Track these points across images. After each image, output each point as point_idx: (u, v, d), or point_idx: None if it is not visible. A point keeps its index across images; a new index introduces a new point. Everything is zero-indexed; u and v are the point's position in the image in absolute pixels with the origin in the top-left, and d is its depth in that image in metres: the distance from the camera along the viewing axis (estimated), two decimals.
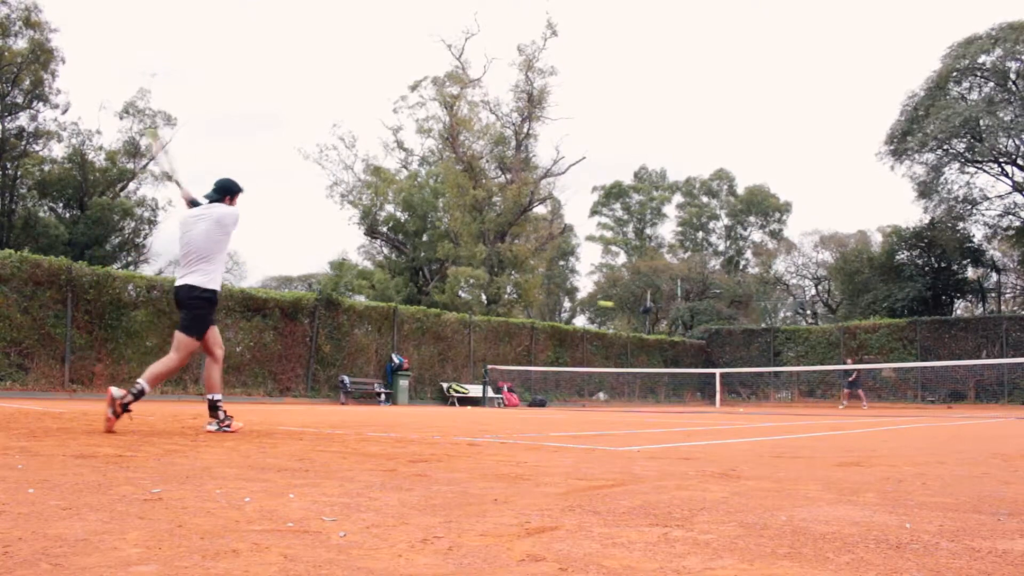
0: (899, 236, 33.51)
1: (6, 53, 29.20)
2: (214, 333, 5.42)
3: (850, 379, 22.23)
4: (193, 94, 66.93)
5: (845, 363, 24.68)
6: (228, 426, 5.30)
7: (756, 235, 53.45)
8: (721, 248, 54.03)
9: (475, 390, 20.91)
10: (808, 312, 47.90)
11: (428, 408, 16.68)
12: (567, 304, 55.69)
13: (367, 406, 16.51)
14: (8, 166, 31.30)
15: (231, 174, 5.53)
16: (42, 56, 30.24)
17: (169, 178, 5.42)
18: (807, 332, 30.18)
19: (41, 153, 32.89)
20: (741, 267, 51.65)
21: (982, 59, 29.43)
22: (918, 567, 1.51)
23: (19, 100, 31.05)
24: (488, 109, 33.02)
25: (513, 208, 30.84)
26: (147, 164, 35.14)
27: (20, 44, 30.10)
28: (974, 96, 30.20)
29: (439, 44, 41.61)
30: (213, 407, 5.31)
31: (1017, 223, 31.56)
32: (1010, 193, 31.42)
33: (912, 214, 73.13)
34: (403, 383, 19.49)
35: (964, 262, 32.74)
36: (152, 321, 16.34)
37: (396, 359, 19.90)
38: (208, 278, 5.26)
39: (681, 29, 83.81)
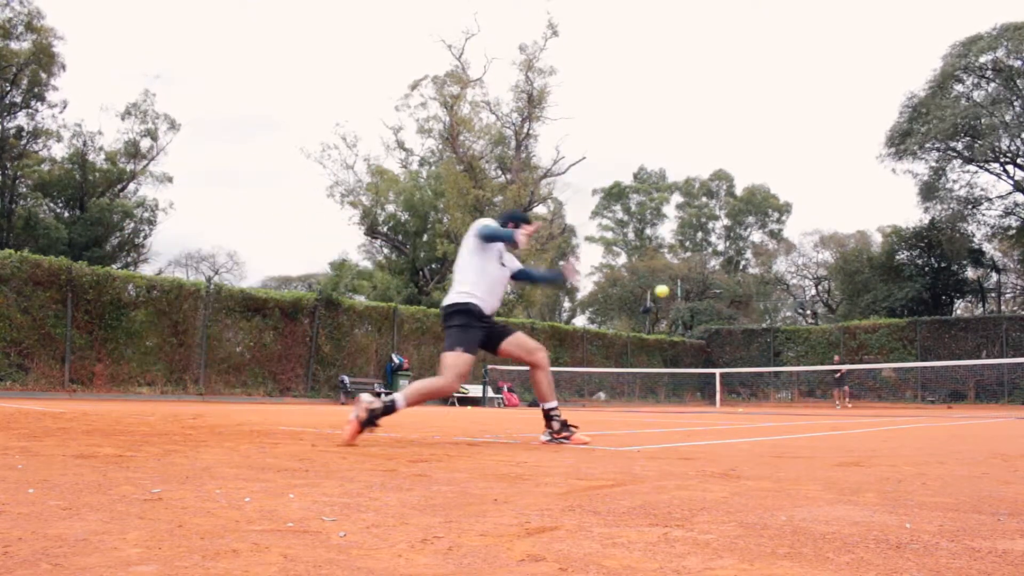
0: (899, 236, 33.54)
1: (5, 53, 29.22)
2: (517, 339, 4.95)
3: (836, 376, 22.75)
4: (193, 96, 66.96)
5: (834, 361, 24.99)
6: (566, 438, 4.72)
7: (756, 235, 53.48)
8: (721, 248, 54.04)
9: (475, 390, 20.91)
10: (808, 312, 47.92)
11: (428, 408, 16.68)
12: (567, 304, 55.71)
13: None
14: (8, 166, 31.32)
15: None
16: (44, 59, 30.27)
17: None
18: (807, 332, 30.20)
19: (41, 153, 32.94)
20: (741, 267, 51.65)
21: (984, 58, 29.42)
22: (918, 567, 1.51)
23: (17, 100, 31.08)
24: (488, 109, 33.02)
25: (513, 208, 30.84)
26: (147, 165, 35.16)
27: (22, 46, 30.13)
28: (976, 95, 30.18)
29: (439, 44, 41.54)
30: (547, 416, 4.82)
31: (1017, 223, 31.56)
32: (1010, 193, 31.44)
33: (912, 214, 73.13)
34: (403, 383, 19.49)
35: (964, 262, 32.75)
36: (152, 321, 16.36)
37: (396, 359, 19.90)
38: (456, 291, 4.77)
39: (680, 30, 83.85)
